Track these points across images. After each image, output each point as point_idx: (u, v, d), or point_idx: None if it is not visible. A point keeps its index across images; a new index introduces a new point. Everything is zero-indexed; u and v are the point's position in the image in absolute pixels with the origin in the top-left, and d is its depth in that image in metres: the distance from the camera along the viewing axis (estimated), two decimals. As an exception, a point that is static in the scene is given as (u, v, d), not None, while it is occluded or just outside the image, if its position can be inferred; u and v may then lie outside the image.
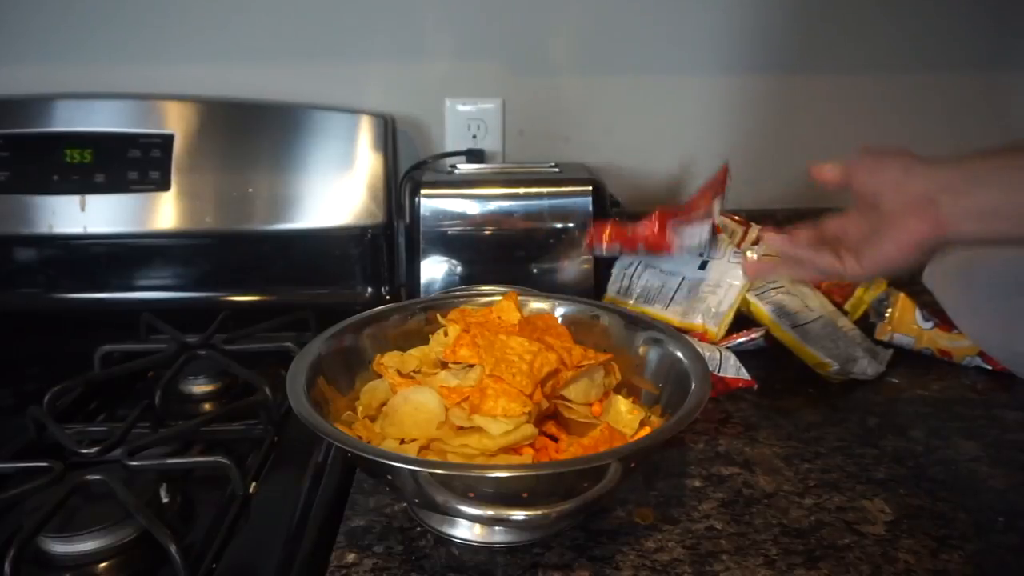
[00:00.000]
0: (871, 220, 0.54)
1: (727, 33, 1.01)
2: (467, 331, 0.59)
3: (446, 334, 0.62)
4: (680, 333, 0.63)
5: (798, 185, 1.08)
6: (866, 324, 0.84)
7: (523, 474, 0.46)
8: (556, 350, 0.57)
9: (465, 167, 0.96)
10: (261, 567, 0.50)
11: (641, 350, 0.63)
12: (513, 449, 0.52)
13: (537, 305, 0.67)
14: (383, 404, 0.58)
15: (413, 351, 0.63)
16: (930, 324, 0.81)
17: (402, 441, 0.54)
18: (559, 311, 0.67)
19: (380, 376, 0.61)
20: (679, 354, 0.59)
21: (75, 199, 0.89)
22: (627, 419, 0.57)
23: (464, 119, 1.02)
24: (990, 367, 0.78)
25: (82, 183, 0.89)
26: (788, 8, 1.00)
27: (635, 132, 1.05)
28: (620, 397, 0.59)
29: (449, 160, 1.00)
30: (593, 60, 1.01)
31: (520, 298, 0.66)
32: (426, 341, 0.64)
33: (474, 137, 1.03)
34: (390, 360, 0.61)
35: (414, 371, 0.61)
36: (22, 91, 0.93)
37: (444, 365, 0.60)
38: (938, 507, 0.57)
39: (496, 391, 0.53)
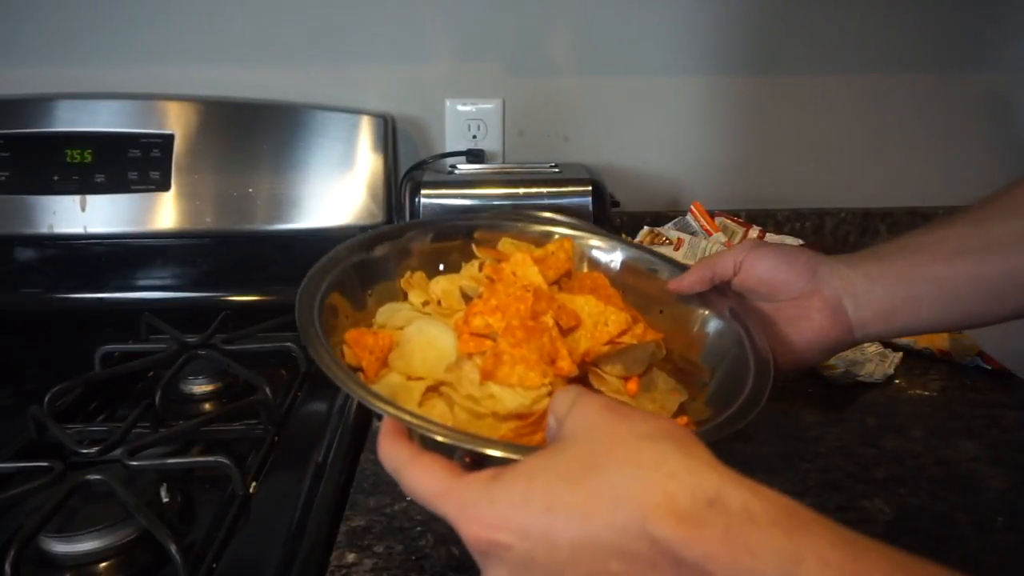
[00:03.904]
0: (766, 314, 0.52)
1: (728, 33, 1.01)
2: (493, 282, 0.50)
3: (480, 268, 0.55)
4: (747, 315, 0.52)
5: (799, 185, 1.08)
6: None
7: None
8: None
9: (465, 167, 0.96)
10: (261, 567, 0.50)
11: (698, 325, 0.54)
12: (526, 417, 0.44)
13: (597, 251, 0.59)
14: (399, 329, 0.51)
15: (440, 278, 0.55)
16: (930, 324, 0.80)
17: (409, 378, 0.48)
18: (616, 257, 0.58)
19: (403, 298, 0.55)
20: (743, 338, 0.50)
21: (75, 199, 0.89)
22: (665, 399, 0.49)
23: (464, 119, 1.02)
24: (990, 367, 0.77)
25: (82, 183, 0.89)
26: (789, 8, 1.00)
27: (635, 132, 1.05)
28: (663, 374, 0.51)
29: (449, 160, 1.00)
30: (593, 60, 1.01)
31: (578, 243, 0.57)
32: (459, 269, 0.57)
33: (474, 137, 1.03)
34: (419, 280, 0.55)
35: (438, 301, 0.53)
36: (23, 91, 0.93)
37: (468, 299, 0.52)
38: (938, 507, 0.57)
39: (513, 357, 0.45)
